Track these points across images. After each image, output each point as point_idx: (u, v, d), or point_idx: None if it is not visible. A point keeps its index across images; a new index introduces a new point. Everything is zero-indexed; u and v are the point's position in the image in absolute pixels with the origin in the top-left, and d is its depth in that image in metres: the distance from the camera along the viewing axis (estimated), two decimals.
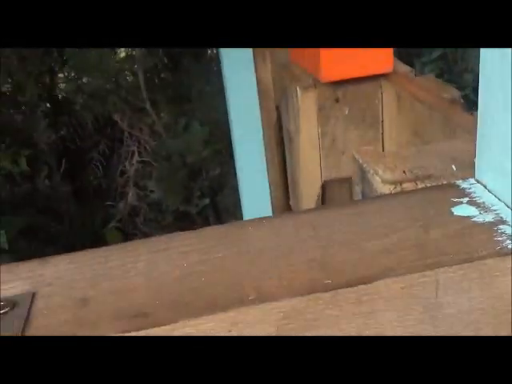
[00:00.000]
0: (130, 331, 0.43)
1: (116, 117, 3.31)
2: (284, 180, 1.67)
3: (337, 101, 1.04)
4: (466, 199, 0.53)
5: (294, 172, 1.24)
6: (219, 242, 0.52)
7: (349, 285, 0.44)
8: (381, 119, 1.06)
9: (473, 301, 0.46)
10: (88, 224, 3.80)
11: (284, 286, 0.45)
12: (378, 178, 0.62)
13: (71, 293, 0.48)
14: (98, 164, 3.61)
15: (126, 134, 3.39)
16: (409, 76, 1.04)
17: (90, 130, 3.65)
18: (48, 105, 3.81)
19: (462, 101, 0.86)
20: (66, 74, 3.70)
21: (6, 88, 3.76)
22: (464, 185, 0.56)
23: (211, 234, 0.53)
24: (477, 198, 0.53)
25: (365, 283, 0.44)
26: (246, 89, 1.84)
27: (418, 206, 0.53)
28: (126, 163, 3.38)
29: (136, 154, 3.32)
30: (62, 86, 3.78)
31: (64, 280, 0.49)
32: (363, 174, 0.67)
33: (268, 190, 2.04)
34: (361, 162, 0.66)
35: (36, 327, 0.44)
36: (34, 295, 0.48)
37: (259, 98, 1.68)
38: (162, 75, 3.48)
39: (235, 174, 2.48)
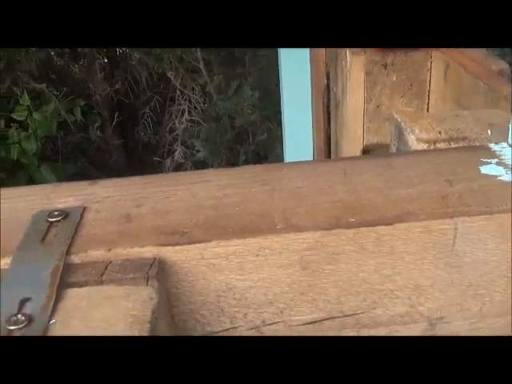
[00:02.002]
0: (167, 245, 0.47)
1: (170, 74, 3.37)
2: (328, 146, 1.68)
3: (385, 67, 1.04)
4: (495, 160, 0.55)
5: (337, 136, 1.26)
6: (255, 179, 0.56)
7: (371, 224, 0.47)
8: (428, 89, 1.06)
9: (488, 252, 0.48)
10: None
11: (310, 220, 0.48)
12: (413, 137, 0.64)
13: (117, 210, 0.52)
14: (149, 120, 3.70)
15: (178, 92, 3.45)
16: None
17: (143, 86, 3.73)
18: (105, 59, 3.90)
19: (510, 73, 0.85)
20: None
21: None
22: (496, 148, 0.58)
23: (248, 172, 0.57)
24: (506, 160, 0.55)
25: (386, 224, 0.47)
26: (300, 53, 1.85)
27: (446, 162, 0.55)
28: (176, 121, 3.45)
29: (186, 112, 3.38)
30: None
31: (111, 199, 0.54)
32: (400, 133, 0.69)
33: (312, 157, 2.05)
34: (399, 120, 0.68)
35: (84, 235, 0.49)
36: (84, 209, 0.53)
37: (311, 63, 1.69)
38: None
39: (281, 141, 2.50)
